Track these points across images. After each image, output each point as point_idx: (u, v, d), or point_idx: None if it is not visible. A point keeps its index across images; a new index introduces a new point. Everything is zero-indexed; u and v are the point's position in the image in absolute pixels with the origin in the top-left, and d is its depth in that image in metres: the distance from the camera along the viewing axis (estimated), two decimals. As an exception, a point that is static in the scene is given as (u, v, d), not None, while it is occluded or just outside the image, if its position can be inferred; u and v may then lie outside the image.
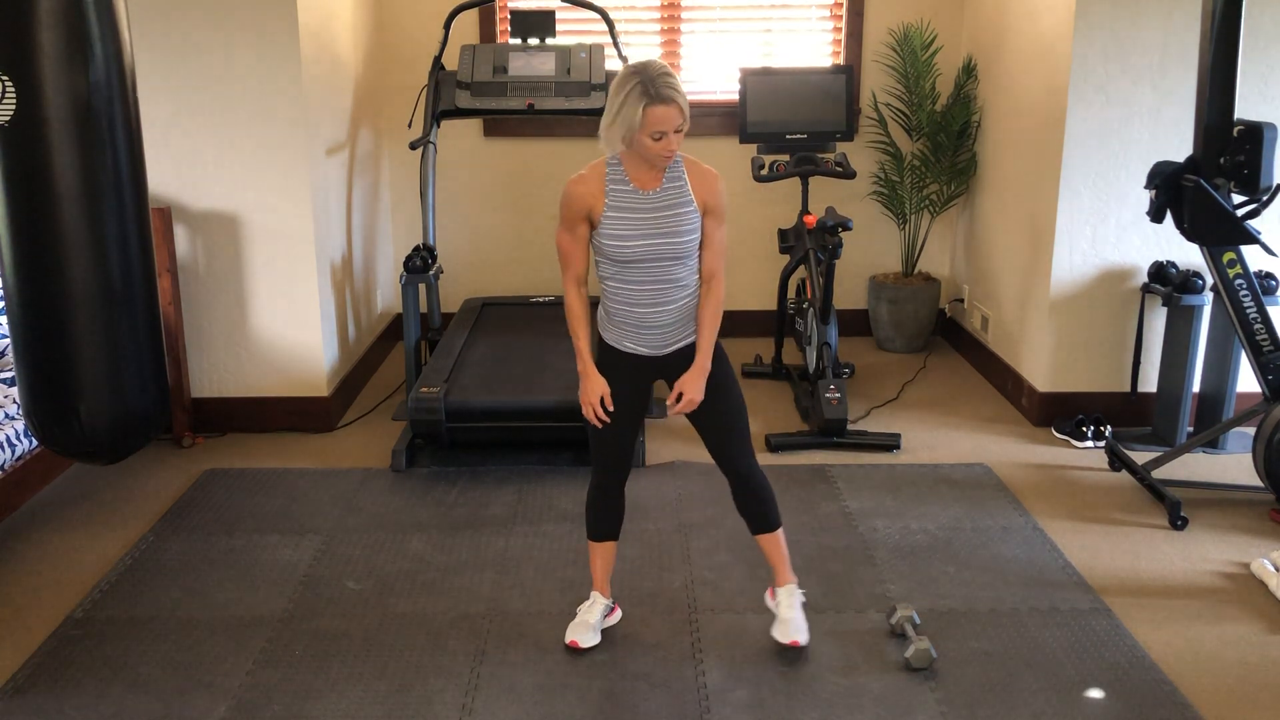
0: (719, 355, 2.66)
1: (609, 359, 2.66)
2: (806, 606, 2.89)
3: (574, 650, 2.81)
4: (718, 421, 2.68)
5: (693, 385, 2.61)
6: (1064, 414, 4.33)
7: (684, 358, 2.64)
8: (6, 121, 2.24)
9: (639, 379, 2.68)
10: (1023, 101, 4.56)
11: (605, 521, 2.81)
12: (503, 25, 5.29)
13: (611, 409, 2.63)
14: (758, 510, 2.77)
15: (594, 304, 2.72)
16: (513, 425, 3.88)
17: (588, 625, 2.84)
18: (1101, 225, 4.19)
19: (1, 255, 2.38)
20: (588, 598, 2.92)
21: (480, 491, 3.76)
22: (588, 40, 4.98)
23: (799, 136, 4.69)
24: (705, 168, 2.57)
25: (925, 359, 5.26)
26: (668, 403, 2.66)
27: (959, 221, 5.46)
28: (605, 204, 2.52)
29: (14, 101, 2.23)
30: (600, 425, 2.66)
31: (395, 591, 3.11)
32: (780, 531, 2.81)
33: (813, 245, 4.43)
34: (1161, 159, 3.83)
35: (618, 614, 2.94)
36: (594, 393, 2.63)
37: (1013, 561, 3.26)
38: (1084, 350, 4.32)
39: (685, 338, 2.64)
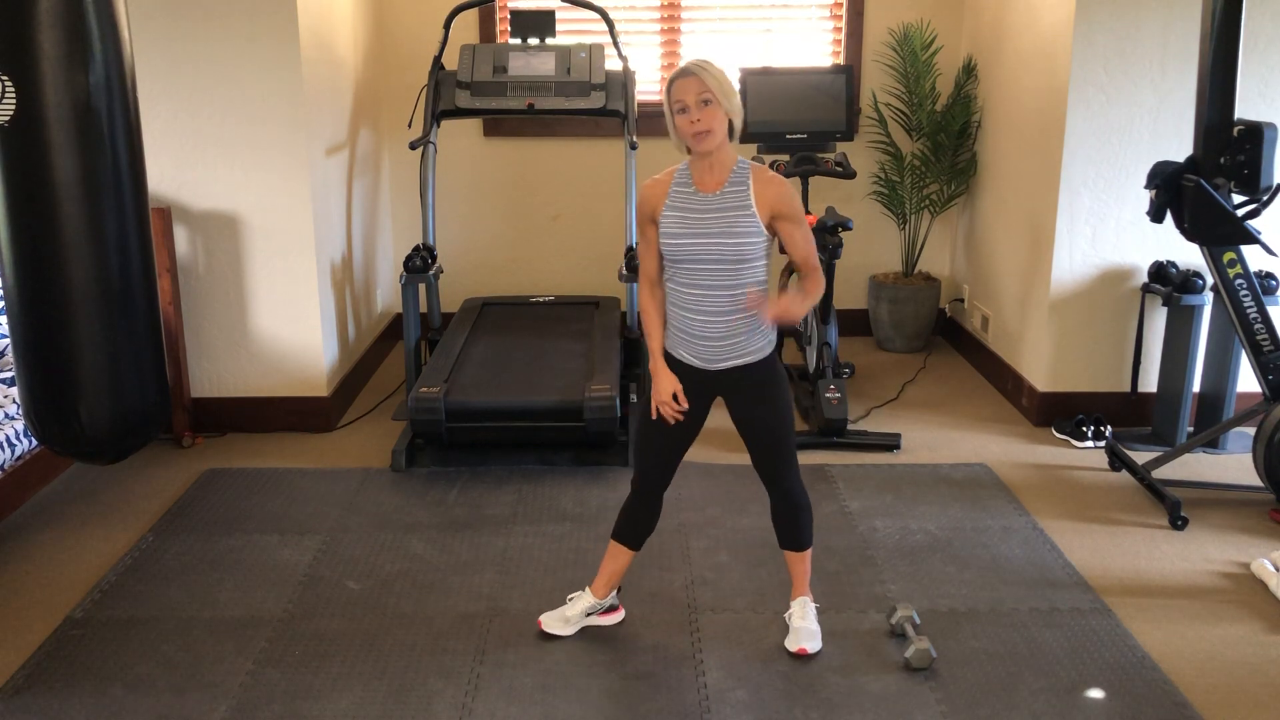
0: (776, 372, 2.65)
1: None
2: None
3: (540, 631, 2.86)
4: (764, 435, 2.67)
5: (790, 300, 2.46)
6: (1064, 414, 4.33)
7: (737, 378, 2.62)
8: (6, 121, 2.24)
9: (692, 394, 2.66)
10: (1023, 101, 4.56)
11: (631, 526, 2.81)
12: (503, 25, 5.29)
13: (684, 406, 2.63)
14: (792, 528, 2.79)
15: None
16: (513, 425, 3.88)
17: (564, 618, 2.87)
18: (1101, 225, 4.19)
19: (1, 255, 2.38)
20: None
21: (480, 491, 3.76)
22: (588, 40, 4.98)
23: (799, 136, 4.69)
24: (771, 174, 2.55)
25: (925, 359, 5.26)
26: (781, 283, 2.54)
27: (959, 221, 5.46)
28: (666, 203, 2.57)
29: (14, 101, 2.23)
30: (671, 422, 2.65)
31: (395, 591, 3.11)
32: (809, 552, 2.83)
33: (813, 245, 4.42)
34: (1161, 159, 3.83)
35: (618, 615, 2.95)
36: (664, 390, 2.63)
37: (1013, 561, 3.26)
38: (1084, 350, 4.32)
39: (738, 357, 2.60)
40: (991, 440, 4.23)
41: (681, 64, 2.52)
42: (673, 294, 2.61)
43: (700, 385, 2.66)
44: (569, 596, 2.94)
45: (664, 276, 2.65)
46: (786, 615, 2.89)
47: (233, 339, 4.23)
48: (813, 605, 2.87)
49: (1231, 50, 3.37)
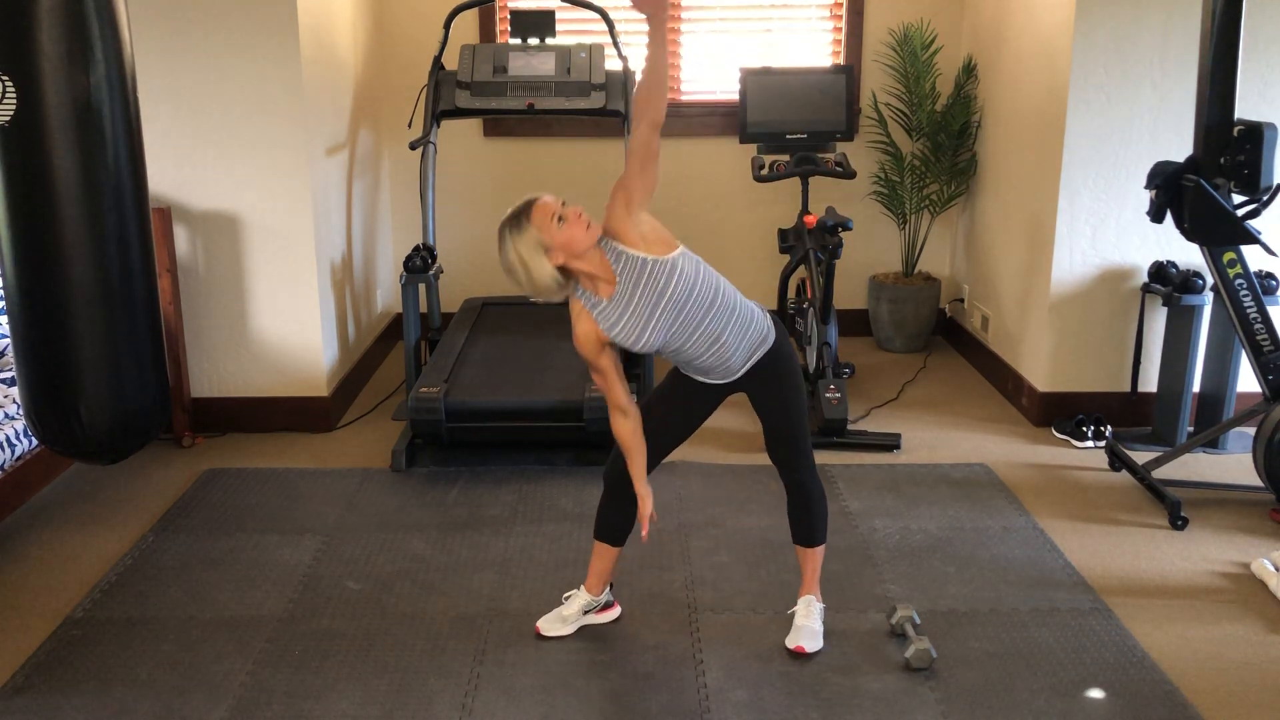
0: (791, 364, 2.70)
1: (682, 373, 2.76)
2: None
3: (539, 636, 2.87)
4: (782, 427, 2.70)
5: None
6: (1064, 414, 4.33)
7: (754, 375, 2.67)
8: (6, 121, 2.24)
9: (708, 398, 2.74)
10: (1023, 101, 4.56)
11: (610, 524, 2.84)
12: (503, 25, 5.29)
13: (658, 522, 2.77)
14: (806, 523, 2.81)
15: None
16: (513, 425, 3.88)
17: (561, 618, 2.89)
18: (1101, 225, 4.19)
19: (2, 255, 2.38)
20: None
21: (480, 491, 3.76)
22: (588, 40, 4.97)
23: (799, 136, 4.69)
24: (612, 220, 2.51)
25: (925, 359, 5.26)
26: None
27: (959, 221, 5.46)
28: (604, 329, 2.57)
29: (14, 101, 2.23)
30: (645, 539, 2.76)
31: (395, 591, 3.11)
32: (820, 549, 2.85)
33: (813, 245, 4.43)
34: (1161, 159, 3.83)
35: (614, 612, 2.96)
36: (645, 509, 2.71)
37: (1013, 561, 3.26)
38: (1084, 350, 4.32)
39: (751, 360, 2.64)
40: (991, 440, 4.23)
41: (507, 219, 2.46)
42: (678, 358, 2.65)
43: (719, 391, 2.72)
44: (564, 595, 2.95)
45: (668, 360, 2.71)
46: (791, 611, 2.89)
47: (233, 339, 4.23)
48: (819, 605, 2.87)
49: (1231, 50, 3.37)
